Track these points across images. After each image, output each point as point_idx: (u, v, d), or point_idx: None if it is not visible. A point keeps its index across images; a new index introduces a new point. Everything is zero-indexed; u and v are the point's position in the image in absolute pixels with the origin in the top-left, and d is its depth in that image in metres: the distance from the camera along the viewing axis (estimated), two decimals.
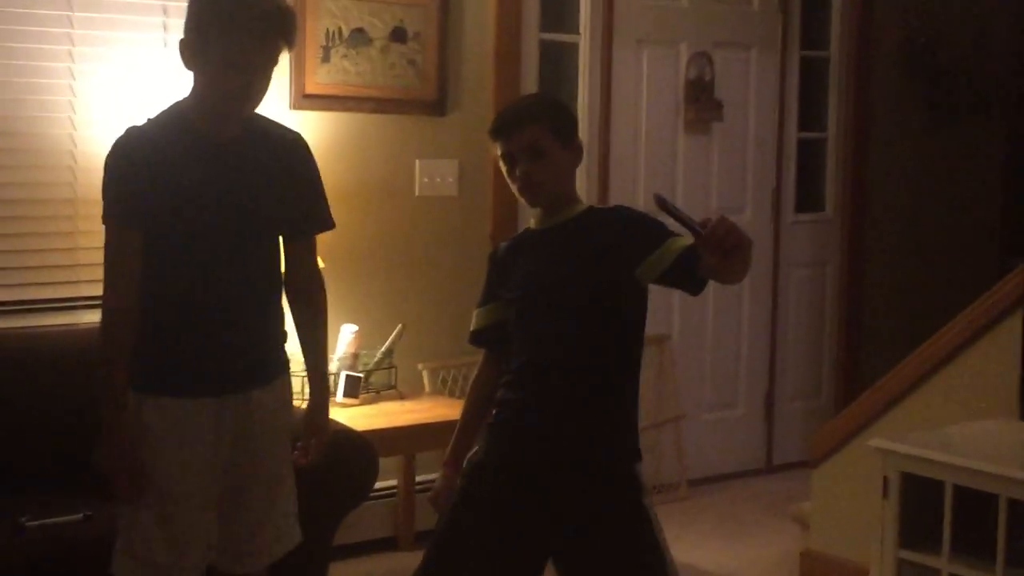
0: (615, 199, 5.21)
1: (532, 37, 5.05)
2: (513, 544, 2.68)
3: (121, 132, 2.63)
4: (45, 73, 3.93)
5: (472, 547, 2.68)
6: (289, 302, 2.85)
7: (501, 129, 2.70)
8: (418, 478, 4.56)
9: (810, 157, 6.03)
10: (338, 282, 4.27)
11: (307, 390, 2.99)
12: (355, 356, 4.37)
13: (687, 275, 2.56)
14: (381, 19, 4.54)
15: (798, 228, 5.96)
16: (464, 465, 2.80)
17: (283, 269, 2.80)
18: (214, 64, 2.54)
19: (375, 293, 4.62)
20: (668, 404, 5.41)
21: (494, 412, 2.77)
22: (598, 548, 2.64)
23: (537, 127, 2.67)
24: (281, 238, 2.77)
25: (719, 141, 5.64)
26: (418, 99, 4.67)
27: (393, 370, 4.49)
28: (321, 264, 3.01)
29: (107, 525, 2.84)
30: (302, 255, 2.82)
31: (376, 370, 4.44)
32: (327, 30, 4.44)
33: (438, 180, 4.76)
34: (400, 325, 4.48)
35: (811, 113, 6.01)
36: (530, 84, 5.02)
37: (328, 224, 2.86)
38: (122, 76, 4.02)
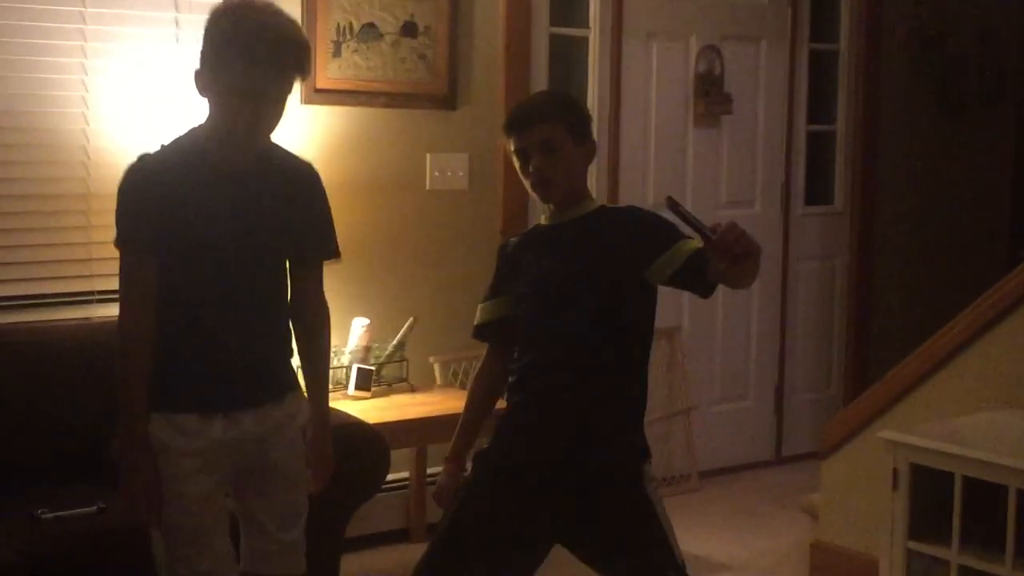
0: (624, 193, 5.22)
1: (542, 31, 5.05)
2: (515, 540, 2.69)
3: (134, 158, 2.62)
4: (57, 69, 3.95)
5: (475, 542, 2.69)
6: (295, 335, 2.82)
7: (516, 124, 2.71)
8: (430, 470, 4.56)
9: (819, 150, 6.03)
10: (350, 276, 4.29)
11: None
12: (367, 349, 4.38)
13: (697, 278, 2.56)
14: (392, 14, 4.55)
15: (807, 221, 5.96)
16: (473, 458, 2.81)
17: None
18: (229, 93, 2.54)
19: (386, 286, 4.63)
20: (678, 396, 5.43)
21: (505, 406, 2.78)
22: (604, 546, 2.66)
23: (551, 124, 2.68)
24: (288, 266, 2.76)
25: (728, 134, 5.65)
26: (429, 93, 4.68)
27: (405, 363, 4.51)
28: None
29: (121, 517, 2.85)
30: (308, 284, 2.80)
31: (388, 363, 4.45)
32: (338, 25, 4.45)
33: (449, 174, 4.77)
34: (411, 318, 4.50)
35: (820, 106, 6.00)
36: (540, 78, 5.03)
37: (334, 254, 2.85)
38: (134, 71, 4.03)
